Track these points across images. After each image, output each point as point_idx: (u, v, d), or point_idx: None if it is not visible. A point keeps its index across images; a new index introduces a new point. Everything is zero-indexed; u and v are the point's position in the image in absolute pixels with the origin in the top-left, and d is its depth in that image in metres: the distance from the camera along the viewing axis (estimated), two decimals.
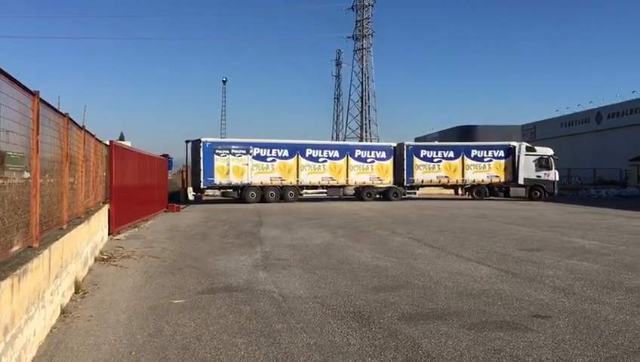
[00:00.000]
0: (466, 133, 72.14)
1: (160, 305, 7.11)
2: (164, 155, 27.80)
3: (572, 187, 47.96)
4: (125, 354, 5.21)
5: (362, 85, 68.52)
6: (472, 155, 36.58)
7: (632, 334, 5.73)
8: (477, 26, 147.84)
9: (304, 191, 34.57)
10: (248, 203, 31.94)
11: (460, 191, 38.51)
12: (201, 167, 32.13)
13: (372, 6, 68.16)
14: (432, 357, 5.04)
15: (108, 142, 15.29)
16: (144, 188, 19.93)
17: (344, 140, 66.61)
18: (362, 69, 68.40)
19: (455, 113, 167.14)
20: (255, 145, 33.95)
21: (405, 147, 36.44)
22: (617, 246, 12.81)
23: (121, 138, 58.38)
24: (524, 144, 37.38)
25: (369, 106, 68.60)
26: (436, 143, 40.04)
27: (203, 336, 5.72)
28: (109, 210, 14.29)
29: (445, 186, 38.12)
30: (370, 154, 36.01)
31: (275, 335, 5.76)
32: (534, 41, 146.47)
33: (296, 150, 34.30)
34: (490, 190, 36.60)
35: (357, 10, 68.69)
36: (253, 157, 33.11)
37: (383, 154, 36.17)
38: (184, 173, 38.93)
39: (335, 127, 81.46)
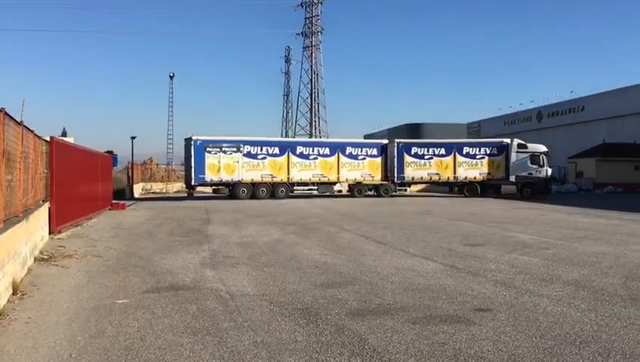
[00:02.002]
0: (413, 130, 73.31)
1: (103, 306, 6.92)
2: (108, 152, 27.10)
3: None
4: (65, 357, 5.06)
5: (311, 82, 68.62)
6: (464, 152, 36.58)
7: (568, 325, 5.96)
8: (423, 25, 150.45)
9: (295, 188, 34.91)
10: (239, 199, 32.61)
11: (455, 189, 38.02)
12: (192, 165, 32.69)
13: (321, 3, 68.32)
14: (377, 352, 5.10)
15: (48, 138, 14.77)
16: (87, 186, 19.38)
17: (293, 137, 66.59)
18: (311, 66, 68.50)
19: (403, 111, 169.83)
20: (246, 142, 34.53)
21: (396, 144, 36.56)
22: (555, 240, 13.30)
23: (64, 134, 56.35)
24: (517, 141, 36.96)
25: (318, 103, 68.80)
26: (427, 140, 40.06)
27: (147, 336, 5.61)
28: (49, 208, 13.82)
29: (437, 183, 38.01)
30: (361, 151, 36.30)
31: (222, 333, 5.71)
32: (479, 41, 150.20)
33: (286, 147, 34.92)
34: (482, 188, 36.39)
35: (306, 8, 68.71)
36: (244, 155, 33.63)
37: (375, 151, 36.49)
38: (130, 170, 38.18)
39: (284, 124, 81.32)
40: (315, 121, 68.30)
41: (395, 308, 6.74)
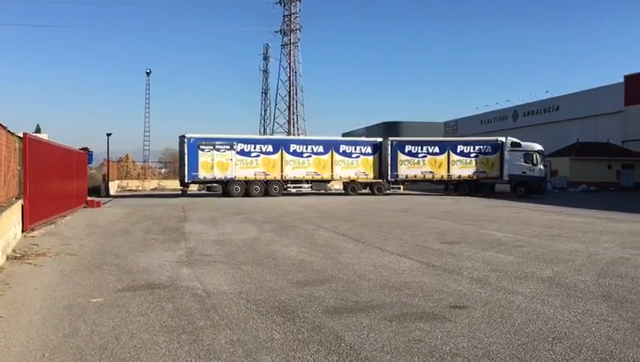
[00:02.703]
0: (391, 129, 73.55)
1: (77, 305, 6.83)
2: (83, 149, 26.73)
3: None
4: (38, 357, 4.98)
5: (290, 80, 68.48)
6: (458, 151, 36.51)
7: (541, 322, 6.04)
8: (401, 25, 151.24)
9: (288, 185, 35.11)
10: (233, 197, 32.80)
11: (451, 187, 37.73)
12: (185, 162, 32.95)
13: (299, 1, 68.20)
14: (354, 350, 5.12)
15: (22, 135, 14.51)
16: (62, 183, 19.08)
17: (272, 134, 66.42)
18: (290, 64, 68.35)
19: (381, 110, 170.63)
20: (239, 140, 34.86)
21: (390, 142, 36.57)
22: (530, 238, 13.48)
23: (38, 130, 55.59)
24: (511, 139, 36.69)
25: (297, 101, 68.69)
26: (422, 138, 40.04)
27: (122, 335, 5.55)
28: (22, 205, 13.58)
29: (431, 182, 37.86)
30: (355, 149, 36.44)
31: (198, 332, 5.67)
32: (458, 41, 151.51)
33: (280, 145, 35.15)
34: (477, 186, 36.20)
35: (285, 5, 68.53)
36: (237, 153, 33.86)
37: (369, 150, 36.65)
38: (106, 167, 37.75)
39: (263, 121, 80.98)
40: (293, 119, 68.20)
41: (371, 305, 6.77)
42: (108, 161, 38.28)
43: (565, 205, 26.48)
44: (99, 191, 34.68)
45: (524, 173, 35.16)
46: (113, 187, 39.70)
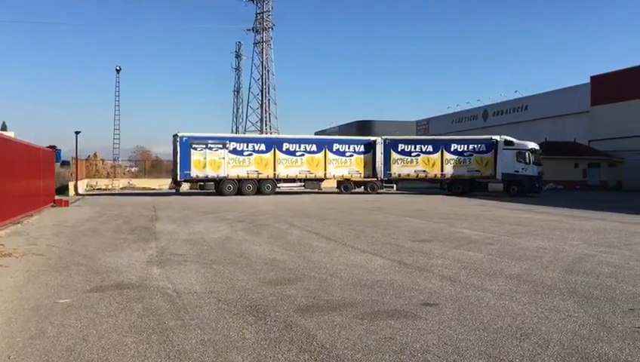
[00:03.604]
0: (364, 127, 74.03)
1: (43, 306, 6.69)
2: (50, 147, 26.18)
3: None
4: (3, 359, 4.86)
5: (262, 78, 68.21)
6: (452, 149, 36.31)
7: (510, 318, 6.14)
8: (373, 24, 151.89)
9: (281, 184, 35.27)
10: (225, 195, 32.94)
11: (445, 186, 37.44)
12: (178, 161, 33.04)
13: None
14: (325, 348, 5.13)
15: None
16: (28, 182, 18.68)
17: (244, 133, 66.08)
18: (262, 62, 68.07)
19: (354, 108, 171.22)
20: (232, 139, 35.43)
21: (382, 141, 36.48)
22: (499, 236, 13.69)
23: (3, 128, 54.31)
24: (504, 137, 36.27)
25: (269, 100, 68.45)
26: (415, 137, 39.80)
27: (90, 337, 5.46)
28: None
29: (424, 181, 37.74)
30: (348, 148, 36.53)
31: (168, 332, 5.61)
32: (429, 40, 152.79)
33: (273, 144, 35.19)
34: (471, 185, 35.84)
35: (257, 3, 68.22)
36: (230, 151, 33.97)
37: (362, 148, 36.73)
38: (75, 166, 37.11)
39: (235, 120, 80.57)
40: (265, 117, 67.95)
41: (343, 304, 6.79)
42: (77, 160, 37.60)
43: (533, 203, 26.96)
44: (67, 190, 34.06)
45: (517, 171, 34.65)
46: (82, 186, 39.02)
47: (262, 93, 68.45)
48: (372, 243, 12.38)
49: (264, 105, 68.28)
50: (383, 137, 37.28)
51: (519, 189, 34.28)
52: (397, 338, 5.39)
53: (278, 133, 61.06)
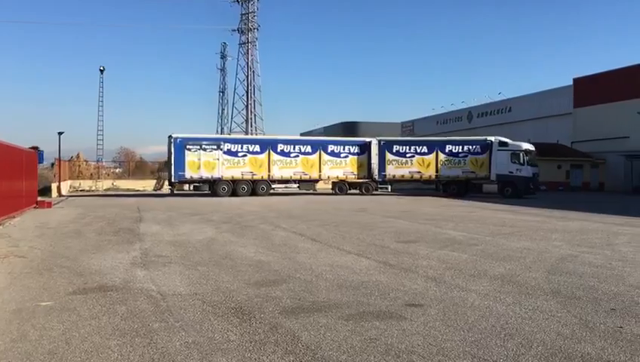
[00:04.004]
0: (349, 128, 74.22)
1: (25, 308, 6.61)
2: (33, 148, 25.89)
3: None
4: None
5: (248, 79, 67.98)
6: (447, 150, 36.09)
7: (494, 318, 6.17)
8: (357, 25, 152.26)
9: (276, 185, 35.37)
10: (220, 196, 33.07)
11: (441, 187, 37.17)
12: (172, 162, 33.15)
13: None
14: (310, 349, 5.12)
15: None
16: (10, 183, 18.45)
17: (229, 134, 65.86)
18: (248, 63, 67.83)
19: (339, 109, 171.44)
20: (226, 140, 35.54)
21: (377, 142, 36.33)
22: (484, 236, 13.77)
23: None
24: (499, 138, 36.02)
25: (255, 101, 68.23)
26: (410, 138, 39.55)
27: (73, 340, 5.40)
28: None
29: (419, 182, 37.55)
30: (343, 149, 36.48)
31: (152, 334, 5.56)
32: (414, 42, 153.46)
33: (267, 145, 35.16)
34: (467, 187, 35.58)
35: (242, 4, 68.00)
36: (224, 153, 34.07)
37: (357, 149, 36.67)
38: (57, 168, 36.76)
39: (220, 120, 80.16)
40: (251, 118, 67.72)
41: (328, 305, 6.78)
42: (59, 161, 37.23)
43: (517, 204, 27.17)
44: (50, 191, 33.72)
45: (511, 172, 34.24)
46: (65, 187, 38.67)
47: (247, 94, 68.21)
48: (357, 244, 12.39)
49: (249, 106, 68.04)
50: (378, 138, 37.23)
51: (513, 191, 33.95)
52: (382, 339, 5.40)
53: (264, 135, 60.94)
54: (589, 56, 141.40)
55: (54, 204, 25.41)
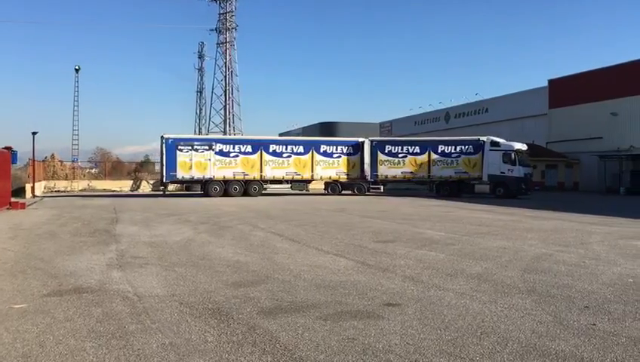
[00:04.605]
0: (327, 129, 74.34)
1: None
2: (6, 148, 25.42)
3: None
4: None
5: (226, 79, 67.74)
6: (439, 151, 35.90)
7: (470, 317, 6.24)
8: (335, 26, 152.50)
9: (268, 185, 35.37)
10: (212, 197, 33.17)
11: (434, 187, 36.94)
12: (164, 162, 33.28)
13: None
14: (288, 350, 5.12)
15: None
16: None
17: (207, 134, 65.46)
18: (226, 63, 67.62)
19: (317, 110, 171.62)
20: (218, 141, 35.53)
21: (369, 142, 36.21)
22: (461, 236, 13.90)
23: None
24: (491, 138, 35.71)
25: (233, 101, 68.00)
26: (402, 138, 39.31)
27: (47, 342, 5.32)
28: None
29: (411, 182, 37.40)
30: (336, 149, 36.43)
31: (128, 336, 5.51)
32: (392, 42, 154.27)
33: (259, 146, 35.10)
34: (459, 187, 35.26)
35: (220, 3, 67.72)
36: (216, 153, 34.11)
37: (350, 150, 36.65)
38: (32, 168, 36.19)
39: (198, 121, 79.82)
40: (229, 118, 67.48)
41: (306, 305, 6.79)
42: (34, 161, 36.61)
43: (493, 204, 27.47)
44: (24, 192, 33.17)
45: (503, 173, 33.98)
46: (39, 188, 38.06)
47: (225, 94, 67.99)
48: (336, 244, 12.41)
49: (227, 106, 67.81)
50: (370, 138, 37.29)
51: (505, 191, 33.66)
52: (360, 339, 5.42)
53: (242, 135, 60.69)
54: (565, 58, 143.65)
55: (28, 205, 25.01)
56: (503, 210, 23.13)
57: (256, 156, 34.66)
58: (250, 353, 5.03)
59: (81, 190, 44.21)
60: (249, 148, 34.78)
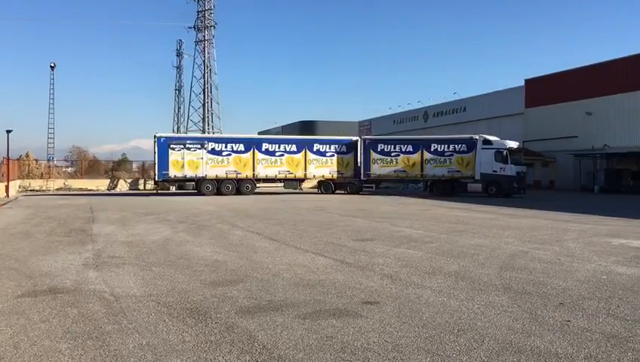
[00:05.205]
0: (307, 127, 74.25)
1: None
2: None
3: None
4: None
5: (204, 77, 67.30)
6: (432, 149, 35.72)
7: (448, 314, 6.29)
8: (315, 24, 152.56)
9: (261, 184, 35.69)
10: (205, 195, 33.25)
11: (427, 186, 36.75)
12: (156, 161, 33.42)
13: None
14: (267, 349, 5.11)
15: None
16: None
17: (185, 133, 64.98)
18: (204, 61, 67.16)
19: (297, 108, 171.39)
20: (210, 139, 35.72)
21: (362, 140, 36.12)
22: (439, 234, 14.01)
23: None
24: (483, 136, 35.52)
25: (211, 99, 67.59)
26: (395, 137, 39.07)
27: (21, 344, 5.24)
28: None
29: (404, 181, 37.34)
30: (329, 148, 36.42)
31: (105, 337, 5.45)
32: (371, 44, 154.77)
33: (252, 144, 35.18)
34: (453, 186, 35.00)
35: (198, 1, 67.25)
36: (208, 152, 34.24)
37: (343, 148, 36.67)
38: (6, 167, 35.60)
39: (176, 119, 79.08)
40: (208, 117, 67.05)
41: (285, 304, 6.78)
42: (8, 159, 36.03)
43: (471, 202, 27.73)
44: None
45: (495, 171, 33.75)
46: (14, 187, 37.44)
47: (204, 92, 67.53)
48: (315, 242, 12.42)
49: (206, 104, 67.37)
50: (363, 137, 37.42)
51: (497, 190, 33.47)
52: (338, 337, 5.43)
53: (221, 133, 60.38)
54: (541, 58, 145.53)
55: (2, 205, 24.59)
56: (480, 208, 23.37)
57: (248, 155, 34.69)
58: (229, 352, 5.01)
59: (56, 189, 43.59)
60: (241, 147, 34.81)
